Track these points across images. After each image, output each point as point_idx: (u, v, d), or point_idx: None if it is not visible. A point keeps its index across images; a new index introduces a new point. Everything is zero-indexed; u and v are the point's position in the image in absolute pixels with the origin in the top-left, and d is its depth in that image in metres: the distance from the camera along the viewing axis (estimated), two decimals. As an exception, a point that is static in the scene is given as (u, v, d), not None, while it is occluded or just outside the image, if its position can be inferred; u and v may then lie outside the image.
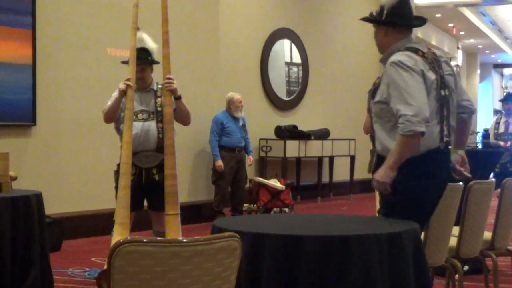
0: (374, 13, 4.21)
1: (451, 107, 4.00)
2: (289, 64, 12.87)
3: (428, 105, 3.78)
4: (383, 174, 3.81)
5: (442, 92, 3.94)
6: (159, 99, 5.70)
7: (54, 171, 8.03)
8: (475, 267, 5.96)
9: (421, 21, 4.20)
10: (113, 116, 5.64)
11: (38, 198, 5.21)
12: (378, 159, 4.05)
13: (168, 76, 5.50)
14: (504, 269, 6.27)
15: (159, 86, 5.77)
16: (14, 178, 5.36)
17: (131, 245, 2.10)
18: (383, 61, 4.08)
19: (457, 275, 5.01)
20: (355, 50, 14.78)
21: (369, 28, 13.93)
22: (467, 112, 4.21)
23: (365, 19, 4.35)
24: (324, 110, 13.54)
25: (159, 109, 5.69)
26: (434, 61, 3.97)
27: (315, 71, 13.51)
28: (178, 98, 5.64)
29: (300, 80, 13.17)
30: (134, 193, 5.29)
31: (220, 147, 9.76)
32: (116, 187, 5.64)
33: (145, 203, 5.84)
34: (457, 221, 5.00)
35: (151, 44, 5.75)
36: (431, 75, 3.90)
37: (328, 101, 13.91)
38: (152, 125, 5.63)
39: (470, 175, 4.30)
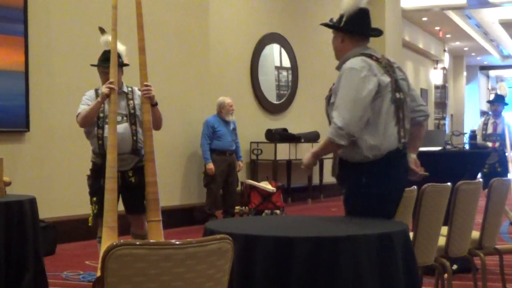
0: (334, 20, 4.28)
1: (405, 110, 4.07)
2: (279, 68, 12.90)
3: (366, 115, 3.87)
4: (308, 159, 4.11)
5: (397, 95, 4.02)
6: (131, 101, 5.62)
7: (47, 176, 8.02)
8: (464, 266, 5.97)
9: (377, 32, 4.30)
10: (92, 120, 5.53)
11: (32, 203, 5.20)
12: (340, 163, 4.17)
13: (145, 83, 5.43)
14: (492, 268, 6.29)
15: (129, 89, 5.70)
16: (8, 184, 5.35)
17: (124, 248, 2.10)
18: (338, 68, 4.20)
19: (446, 274, 5.01)
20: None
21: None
22: (423, 116, 4.31)
23: (324, 25, 4.40)
24: (314, 113, 13.55)
25: (132, 111, 5.61)
26: (388, 66, 4.06)
27: (304, 75, 13.54)
28: (154, 105, 5.54)
29: (289, 84, 13.20)
30: None
31: (211, 150, 9.76)
32: (91, 193, 5.63)
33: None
34: (445, 221, 5.01)
35: (119, 46, 5.61)
36: (386, 78, 3.97)
37: (318, 104, 13.90)
38: (126, 127, 5.54)
39: (427, 173, 4.35)
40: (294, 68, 13.29)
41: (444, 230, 5.09)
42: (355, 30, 4.18)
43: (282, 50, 13.00)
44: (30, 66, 7.91)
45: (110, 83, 5.35)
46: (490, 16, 24.41)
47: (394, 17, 15.84)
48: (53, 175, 8.05)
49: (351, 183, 4.07)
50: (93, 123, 5.58)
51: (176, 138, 9.84)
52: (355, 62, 3.99)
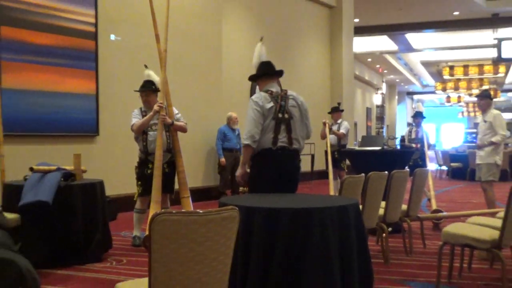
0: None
1: (292, 126, 4.36)
2: (270, 93, 12.86)
3: (259, 127, 4.26)
4: (239, 170, 4.42)
5: (280, 115, 4.33)
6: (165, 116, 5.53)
7: (111, 166, 8.01)
8: (396, 229, 5.98)
9: (279, 73, 4.62)
10: (143, 128, 5.54)
11: (100, 184, 5.22)
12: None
13: (161, 114, 5.36)
14: (415, 230, 6.30)
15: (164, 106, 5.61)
16: (84, 171, 5.36)
17: (164, 215, 2.10)
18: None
19: (384, 234, 5.03)
20: (313, 83, 14.80)
21: (323, 68, 13.96)
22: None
23: (249, 79, 4.76)
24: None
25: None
26: (280, 97, 4.39)
27: (287, 97, 13.51)
28: (171, 125, 5.47)
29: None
30: (152, 180, 5.25)
31: (222, 149, 9.75)
32: (137, 179, 5.64)
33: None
34: (384, 197, 5.02)
35: (155, 77, 5.71)
36: (269, 105, 4.32)
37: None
38: (163, 133, 5.47)
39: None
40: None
41: (383, 203, 5.11)
42: (258, 76, 4.55)
43: (272, 80, 12.98)
44: (100, 91, 7.89)
45: (160, 103, 5.37)
46: (414, 58, 24.47)
47: (348, 58, 15.84)
48: (114, 165, 8.04)
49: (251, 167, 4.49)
50: (142, 131, 5.59)
51: (199, 140, 9.83)
52: (256, 96, 4.41)
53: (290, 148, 4.32)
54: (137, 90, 5.73)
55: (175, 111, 5.60)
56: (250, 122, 4.31)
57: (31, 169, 4.96)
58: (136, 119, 5.60)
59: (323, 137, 9.04)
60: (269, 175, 4.27)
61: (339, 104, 10.05)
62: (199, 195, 9.51)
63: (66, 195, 4.84)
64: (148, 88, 5.62)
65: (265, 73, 4.52)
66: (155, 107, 5.41)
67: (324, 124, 8.64)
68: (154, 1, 5.48)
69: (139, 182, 5.61)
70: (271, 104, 4.34)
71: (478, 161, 6.96)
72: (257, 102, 4.35)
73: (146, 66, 5.84)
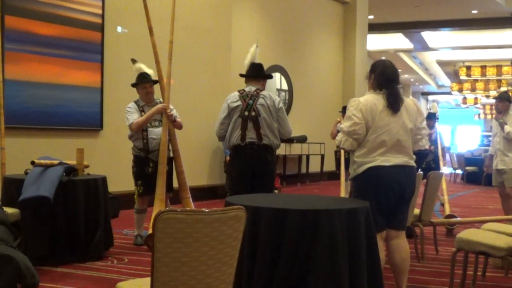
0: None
1: (260, 123, 4.77)
2: (279, 90, 12.86)
3: (223, 124, 4.82)
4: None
5: (246, 113, 4.76)
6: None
7: (114, 161, 8.03)
8: (409, 233, 5.95)
9: (267, 76, 5.14)
10: (143, 127, 5.49)
11: (103, 180, 5.23)
12: None
13: (167, 112, 5.36)
14: (428, 235, 6.27)
15: (159, 100, 5.62)
16: (86, 166, 5.37)
17: (169, 213, 2.10)
18: None
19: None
20: (325, 80, 14.78)
21: (335, 65, 13.96)
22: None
23: (241, 75, 5.14)
24: (303, 122, 13.53)
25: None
26: (250, 96, 4.80)
27: (297, 95, 13.51)
28: (173, 121, 5.46)
29: (286, 101, 13.17)
30: (153, 179, 5.24)
31: (229, 147, 9.73)
32: (136, 178, 5.60)
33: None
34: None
35: (148, 70, 5.70)
36: (235, 103, 4.79)
37: (306, 115, 13.91)
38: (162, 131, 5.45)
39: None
40: (290, 91, 13.26)
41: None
42: (244, 75, 4.99)
43: (282, 77, 12.97)
44: (104, 84, 7.91)
45: (165, 107, 5.34)
46: (430, 57, 24.36)
47: (361, 55, 15.79)
48: (118, 161, 8.05)
49: None
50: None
51: (205, 138, 9.83)
52: (229, 95, 4.92)
53: (260, 144, 4.74)
54: (137, 83, 5.60)
55: (171, 107, 5.56)
56: (217, 120, 4.87)
57: (33, 163, 4.98)
58: (133, 116, 5.48)
59: (334, 136, 9.02)
60: (241, 169, 4.77)
61: (349, 103, 10.00)
62: (205, 194, 9.52)
63: (67, 191, 4.86)
64: (150, 80, 5.57)
65: (249, 75, 4.95)
66: (160, 107, 5.36)
67: (336, 123, 8.63)
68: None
69: (139, 182, 5.55)
70: (238, 102, 4.78)
71: (501, 166, 6.83)
72: (226, 100, 4.85)
73: (134, 61, 5.77)
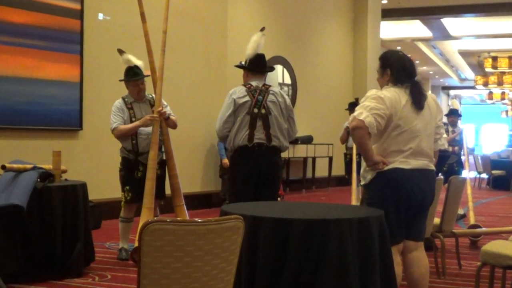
0: (243, 62, 5.01)
1: (271, 122, 4.74)
2: (282, 84, 12.88)
3: (227, 123, 4.72)
4: None
5: (255, 110, 4.71)
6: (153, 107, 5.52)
7: (96, 165, 8.04)
8: (428, 246, 5.94)
9: (270, 68, 5.17)
10: (128, 136, 5.48)
11: (83, 187, 5.22)
12: None
13: (158, 110, 5.37)
14: (449, 248, 6.27)
15: (150, 96, 5.64)
16: (64, 171, 5.37)
17: (157, 224, 2.10)
18: None
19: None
20: (333, 74, 14.80)
21: (344, 56, 14.00)
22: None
23: (236, 66, 5.16)
24: (309, 120, 13.55)
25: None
26: (258, 91, 4.77)
27: (302, 90, 13.53)
28: (167, 119, 5.47)
29: (290, 97, 13.19)
30: (143, 184, 5.24)
31: (225, 148, 9.72)
32: (123, 183, 5.57)
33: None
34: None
35: (138, 62, 5.61)
36: (243, 99, 4.71)
37: (312, 113, 13.92)
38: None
39: None
40: (293, 85, 13.28)
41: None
42: (251, 68, 4.88)
43: (284, 70, 12.99)
44: (84, 78, 7.92)
45: (153, 116, 5.31)
46: (451, 47, 24.39)
47: (374, 45, 15.82)
48: (100, 165, 8.06)
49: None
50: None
51: (198, 138, 9.83)
52: (233, 89, 4.81)
53: (268, 145, 4.70)
54: (128, 79, 5.57)
55: (164, 103, 5.57)
56: (219, 117, 4.77)
57: (3, 167, 4.97)
58: (118, 120, 5.46)
59: (344, 141, 9.08)
60: (247, 173, 4.67)
61: (357, 99, 9.97)
62: (198, 201, 9.52)
63: (43, 199, 4.85)
64: (142, 76, 5.56)
65: (256, 69, 4.88)
66: (148, 118, 5.33)
67: (347, 128, 8.68)
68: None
69: (127, 187, 5.55)
70: (246, 98, 4.71)
71: None
72: (231, 95, 4.73)
73: (121, 51, 5.72)
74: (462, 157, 9.04)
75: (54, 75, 7.59)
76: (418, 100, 3.66)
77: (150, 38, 5.56)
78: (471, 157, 17.82)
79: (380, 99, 3.59)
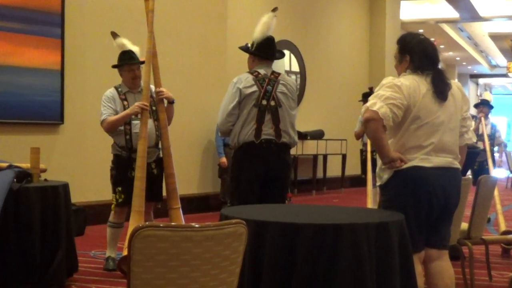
0: (249, 45, 4.95)
1: (281, 115, 4.71)
2: (289, 72, 12.85)
3: (230, 117, 4.67)
4: None
5: (264, 102, 4.66)
6: (150, 99, 5.51)
7: (79, 164, 8.05)
8: (454, 254, 5.93)
9: (280, 54, 5.13)
10: (117, 128, 5.47)
11: (65, 188, 5.23)
12: None
13: (158, 89, 5.43)
14: (479, 257, 6.26)
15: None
16: (43, 170, 5.38)
17: (149, 230, 2.11)
18: None
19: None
20: (347, 60, 14.77)
21: (359, 41, 13.99)
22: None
23: (240, 48, 5.07)
24: (320, 113, 13.53)
25: (154, 108, 5.53)
26: (267, 81, 4.72)
27: (312, 78, 13.51)
28: (172, 103, 5.53)
29: (298, 86, 13.17)
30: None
31: (224, 145, 9.73)
32: (115, 183, 5.58)
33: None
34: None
35: (133, 47, 5.62)
36: (250, 89, 4.66)
37: (323, 105, 13.91)
38: (151, 123, 5.46)
39: None
40: (302, 73, 13.26)
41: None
42: (260, 54, 4.83)
43: (292, 56, 12.97)
44: (66, 65, 7.92)
45: (144, 104, 5.31)
46: (480, 29, 24.32)
47: (393, 28, 15.79)
48: (84, 163, 8.07)
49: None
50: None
51: (194, 134, 9.84)
52: (238, 77, 4.75)
53: (278, 142, 4.68)
54: (121, 64, 5.56)
55: (153, 89, 5.58)
56: (221, 109, 4.69)
57: (-25, 166, 4.98)
58: (108, 111, 5.45)
59: (359, 137, 9.07)
60: (253, 173, 4.66)
61: (371, 89, 9.87)
62: (193, 205, 9.53)
63: (20, 201, 4.85)
64: (137, 61, 5.53)
65: (263, 54, 4.84)
66: (136, 108, 5.31)
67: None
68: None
69: (119, 188, 5.54)
70: (254, 88, 4.67)
71: None
72: (235, 84, 4.69)
73: (114, 34, 5.71)
74: (496, 154, 9.04)
75: (31, 62, 7.59)
76: (441, 89, 3.64)
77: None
78: (503, 154, 17.80)
79: (396, 87, 3.57)
